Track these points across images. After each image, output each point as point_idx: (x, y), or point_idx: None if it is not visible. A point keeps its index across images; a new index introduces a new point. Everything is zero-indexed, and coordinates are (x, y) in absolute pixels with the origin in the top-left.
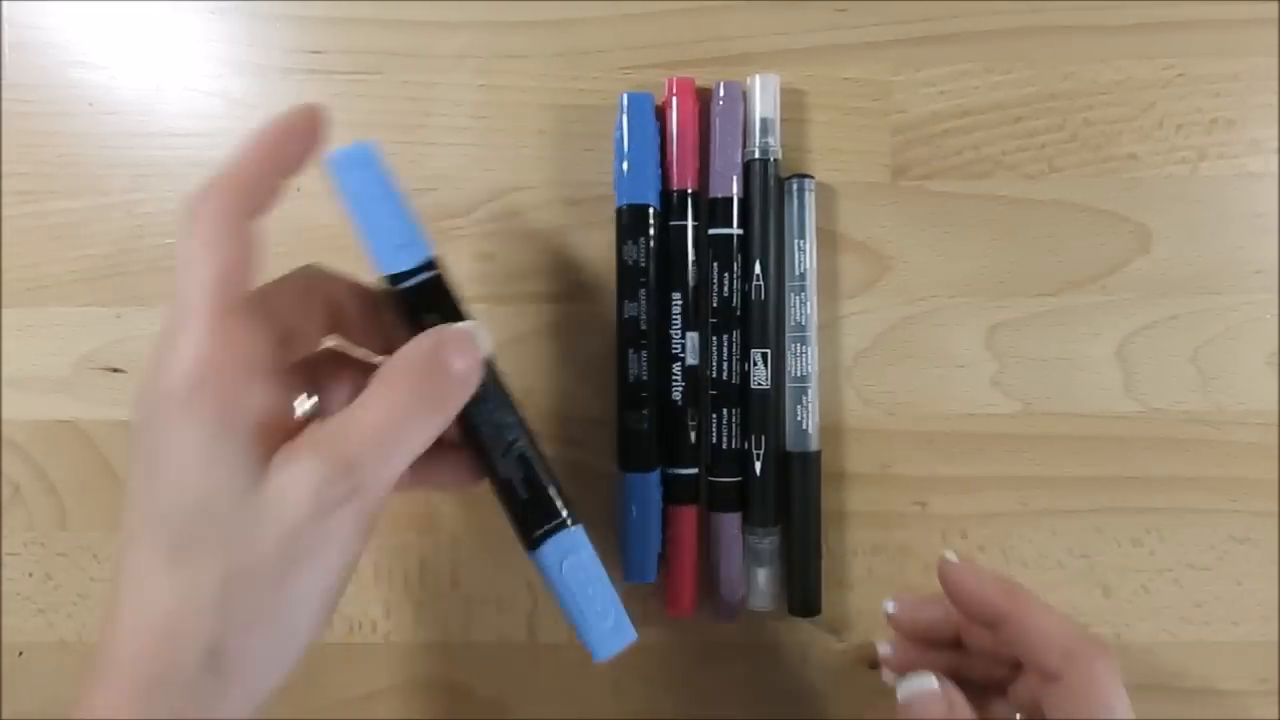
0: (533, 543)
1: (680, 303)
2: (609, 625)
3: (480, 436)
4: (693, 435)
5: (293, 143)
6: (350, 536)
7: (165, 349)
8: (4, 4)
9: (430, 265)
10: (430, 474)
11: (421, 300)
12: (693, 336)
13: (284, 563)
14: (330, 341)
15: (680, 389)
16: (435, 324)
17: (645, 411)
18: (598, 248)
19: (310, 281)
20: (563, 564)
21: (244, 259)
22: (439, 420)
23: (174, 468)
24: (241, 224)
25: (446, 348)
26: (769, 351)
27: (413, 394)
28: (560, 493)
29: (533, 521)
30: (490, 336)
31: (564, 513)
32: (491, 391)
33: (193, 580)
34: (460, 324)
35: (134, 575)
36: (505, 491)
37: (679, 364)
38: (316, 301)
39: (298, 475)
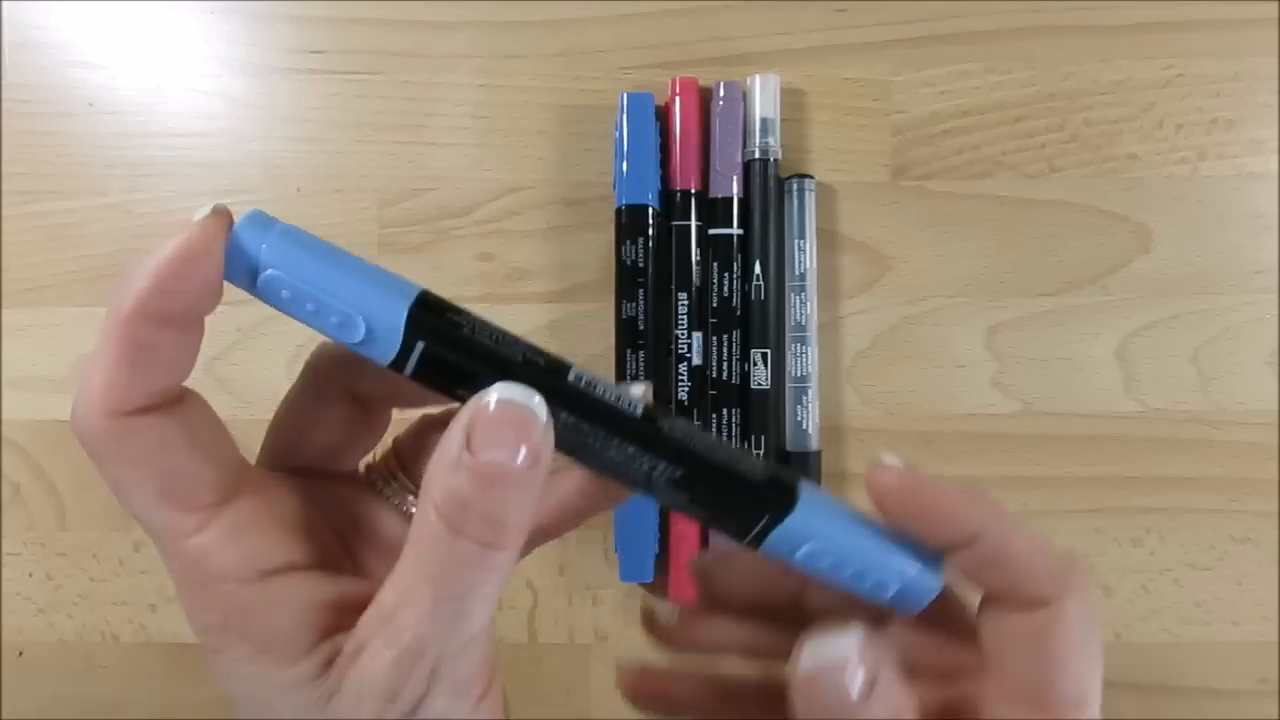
0: (752, 545)
1: (686, 303)
2: (894, 593)
3: (613, 479)
4: None
5: (175, 296)
6: (466, 712)
7: (176, 588)
8: (4, 4)
9: (414, 332)
10: (559, 525)
11: (433, 376)
12: (698, 336)
13: None
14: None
15: (686, 389)
16: (465, 396)
17: None
18: (598, 248)
19: (320, 381)
20: (796, 556)
21: (183, 458)
22: (505, 553)
23: (247, 702)
24: (152, 422)
25: (481, 457)
26: (769, 351)
27: (455, 538)
28: (749, 478)
29: (734, 531)
30: (532, 392)
31: (766, 501)
32: (580, 435)
33: None
34: (492, 400)
35: None
36: (684, 514)
37: (685, 364)
38: (338, 400)
39: (367, 681)
